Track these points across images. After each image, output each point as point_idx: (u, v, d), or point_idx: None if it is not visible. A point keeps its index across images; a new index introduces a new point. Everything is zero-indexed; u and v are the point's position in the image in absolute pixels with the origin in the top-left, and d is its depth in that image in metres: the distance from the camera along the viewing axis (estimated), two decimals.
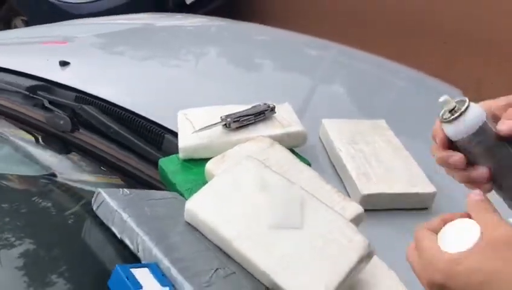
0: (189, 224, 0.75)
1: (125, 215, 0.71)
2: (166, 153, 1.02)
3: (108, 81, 1.29)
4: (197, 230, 0.74)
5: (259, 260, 0.66)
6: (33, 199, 0.85)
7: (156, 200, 0.80)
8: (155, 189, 0.94)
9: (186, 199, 0.78)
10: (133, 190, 0.80)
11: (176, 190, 0.89)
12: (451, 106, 0.48)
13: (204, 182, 0.82)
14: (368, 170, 0.93)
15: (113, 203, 0.73)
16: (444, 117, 0.48)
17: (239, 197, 0.74)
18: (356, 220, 0.79)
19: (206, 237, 0.73)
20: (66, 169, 1.06)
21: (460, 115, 0.47)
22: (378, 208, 0.90)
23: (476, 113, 0.47)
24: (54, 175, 0.98)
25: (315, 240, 0.69)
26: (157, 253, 0.66)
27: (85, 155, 1.10)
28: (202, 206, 0.74)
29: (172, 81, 1.33)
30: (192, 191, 0.85)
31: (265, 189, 0.75)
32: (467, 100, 0.48)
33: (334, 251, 0.67)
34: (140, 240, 0.70)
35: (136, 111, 1.10)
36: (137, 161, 1.06)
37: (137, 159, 1.07)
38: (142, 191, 0.83)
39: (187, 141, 0.94)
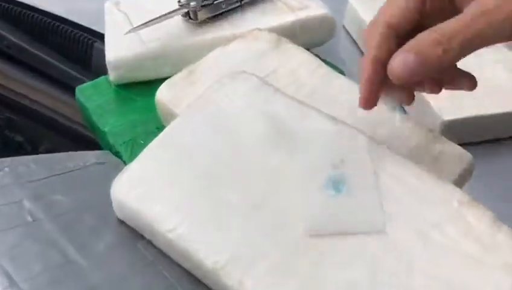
0: (125, 226, 0.35)
1: None
2: (98, 75, 0.58)
3: None
4: (144, 239, 0.34)
5: None
6: None
7: (60, 176, 0.39)
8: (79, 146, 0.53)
9: (126, 164, 0.41)
10: (14, 159, 0.40)
11: (107, 145, 0.48)
12: None
13: (160, 127, 0.43)
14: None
15: None
16: None
17: (228, 166, 0.34)
18: (463, 178, 0.40)
19: (162, 257, 0.33)
20: None
21: None
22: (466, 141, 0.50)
23: None
24: None
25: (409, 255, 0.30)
26: None
27: None
28: (148, 189, 0.34)
29: None
30: (135, 146, 0.45)
31: (283, 142, 0.35)
32: None
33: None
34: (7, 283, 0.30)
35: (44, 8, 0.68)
36: (50, 94, 0.64)
37: (51, 89, 0.65)
38: (36, 158, 0.41)
39: (120, 48, 0.51)
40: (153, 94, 0.46)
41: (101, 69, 0.57)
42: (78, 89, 0.53)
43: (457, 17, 0.29)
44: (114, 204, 0.35)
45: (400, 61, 0.30)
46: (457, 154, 0.40)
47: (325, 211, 0.32)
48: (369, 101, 0.32)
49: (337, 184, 0.33)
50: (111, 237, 0.35)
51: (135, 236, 0.35)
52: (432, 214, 0.31)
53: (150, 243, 0.35)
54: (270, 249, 0.31)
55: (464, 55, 0.30)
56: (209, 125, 0.36)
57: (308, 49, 0.49)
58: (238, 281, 0.30)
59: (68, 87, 0.64)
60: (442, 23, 0.29)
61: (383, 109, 0.43)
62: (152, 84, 0.49)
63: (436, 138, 0.42)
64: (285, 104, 0.37)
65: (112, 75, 0.52)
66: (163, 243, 0.33)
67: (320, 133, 0.35)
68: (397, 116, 0.41)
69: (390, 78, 0.31)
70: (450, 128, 0.50)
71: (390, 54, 0.31)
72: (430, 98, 0.51)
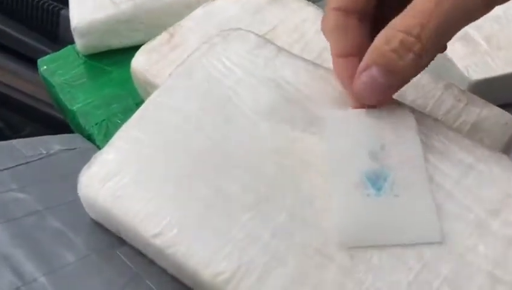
0: (101, 229, 0.27)
1: None
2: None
3: None
4: (125, 244, 0.27)
5: None
6: None
7: (15, 169, 0.31)
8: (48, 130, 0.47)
9: (99, 149, 0.33)
10: None
11: (78, 127, 0.40)
12: None
13: (139, 103, 0.35)
14: (472, 32, 0.44)
15: None
16: None
17: (225, 150, 0.27)
18: (508, 146, 0.33)
19: (149, 267, 0.26)
20: None
21: None
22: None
23: None
24: None
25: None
26: None
27: None
28: (125, 182, 0.26)
29: None
30: (111, 127, 0.38)
31: (296, 119, 0.28)
32: None
33: None
34: None
35: None
36: (10, 70, 0.56)
37: (12, 64, 0.57)
38: None
39: (87, 11, 0.43)
40: (130, 64, 0.38)
41: (69, 40, 0.49)
42: (41, 62, 0.45)
43: (412, 6, 0.23)
44: (83, 202, 0.28)
45: (363, 82, 0.24)
46: (500, 119, 0.33)
47: (362, 217, 0.24)
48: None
49: (376, 180, 0.25)
50: (82, 246, 0.27)
51: (114, 241, 0.28)
52: (492, 198, 0.25)
53: (133, 249, 0.27)
54: (286, 256, 0.24)
55: (439, 50, 0.24)
56: (198, 97, 0.29)
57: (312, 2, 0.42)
58: None
59: (32, 62, 0.55)
60: (397, 19, 0.23)
61: None
62: (129, 52, 0.41)
63: (473, 99, 0.34)
64: (295, 68, 0.29)
65: (80, 44, 0.44)
66: (150, 251, 0.26)
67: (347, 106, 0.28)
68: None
69: (361, 102, 0.26)
70: (479, 91, 0.43)
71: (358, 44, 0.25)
72: (452, 55, 0.44)
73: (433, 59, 0.24)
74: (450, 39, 0.24)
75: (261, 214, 0.25)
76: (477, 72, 0.42)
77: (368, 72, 0.24)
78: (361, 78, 0.24)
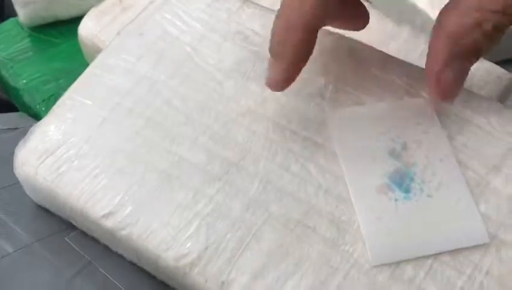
0: (46, 214, 0.23)
1: None
2: None
3: None
4: (75, 229, 0.23)
5: None
6: None
7: None
8: None
9: None
10: None
11: (23, 105, 0.36)
12: None
13: None
14: None
15: None
16: None
17: (186, 118, 0.23)
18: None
19: (102, 253, 0.22)
20: None
21: None
22: None
23: None
24: None
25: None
26: None
27: None
28: (67, 157, 0.22)
29: None
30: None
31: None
32: None
33: None
34: None
35: None
36: None
37: None
38: None
39: None
40: (74, 32, 0.34)
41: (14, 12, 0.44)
42: None
43: None
44: (22, 183, 0.24)
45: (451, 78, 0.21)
46: (491, 72, 0.30)
47: (394, 226, 0.20)
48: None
49: (401, 180, 0.21)
50: (24, 234, 0.24)
51: (61, 227, 0.24)
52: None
53: (84, 234, 0.24)
54: (261, 231, 0.20)
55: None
56: (151, 57, 0.25)
57: None
58: (215, 281, 0.19)
59: None
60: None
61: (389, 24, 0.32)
62: (78, 23, 0.36)
63: None
64: (263, 19, 0.25)
65: (23, 15, 0.40)
66: (102, 235, 0.22)
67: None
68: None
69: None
70: None
71: None
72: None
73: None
74: None
75: (230, 185, 0.21)
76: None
77: (443, 75, 0.21)
78: (447, 76, 0.21)
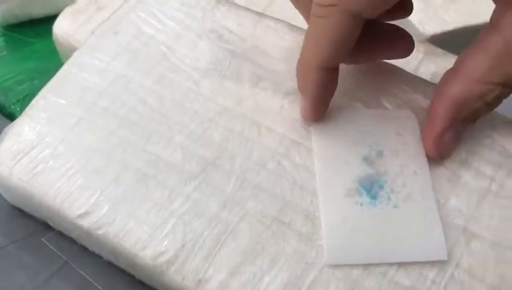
0: (22, 215, 0.23)
1: None
2: None
3: None
4: (52, 230, 0.23)
5: None
6: None
7: None
8: None
9: None
10: None
11: None
12: None
13: None
14: None
15: None
16: None
17: (161, 117, 0.23)
18: None
19: (80, 253, 0.22)
20: None
21: None
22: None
23: None
24: None
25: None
26: None
27: None
28: (43, 157, 0.22)
29: None
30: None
31: (252, 78, 0.24)
32: None
33: None
34: None
35: None
36: None
37: None
38: None
39: None
40: (49, 31, 0.34)
41: None
42: None
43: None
44: None
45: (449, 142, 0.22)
46: None
47: (353, 229, 0.20)
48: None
49: (371, 187, 0.21)
50: (0, 236, 0.23)
51: (37, 228, 0.24)
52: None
53: (61, 234, 0.24)
54: (238, 228, 0.20)
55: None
56: (126, 56, 0.25)
57: None
58: (192, 279, 0.20)
59: None
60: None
61: None
62: (52, 22, 0.36)
63: (431, 50, 0.32)
64: (238, 18, 0.26)
65: None
66: (79, 235, 0.22)
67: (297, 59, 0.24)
68: None
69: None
70: (436, 45, 0.41)
71: None
72: None
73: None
74: None
75: (207, 183, 0.22)
76: (432, 27, 0.40)
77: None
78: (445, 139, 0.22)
